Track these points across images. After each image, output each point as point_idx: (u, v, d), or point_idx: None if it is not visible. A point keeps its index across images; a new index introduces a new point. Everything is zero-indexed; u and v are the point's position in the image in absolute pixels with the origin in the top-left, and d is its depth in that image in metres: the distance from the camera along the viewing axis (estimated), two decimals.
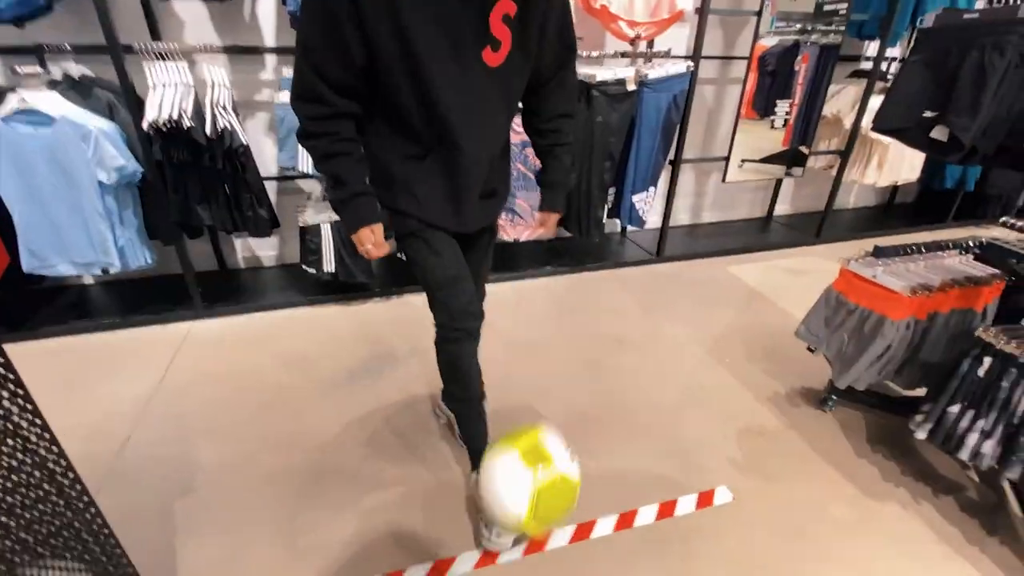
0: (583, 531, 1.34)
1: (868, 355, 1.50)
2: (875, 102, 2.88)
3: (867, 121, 2.93)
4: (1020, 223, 1.64)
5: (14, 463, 0.81)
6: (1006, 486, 1.49)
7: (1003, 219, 1.68)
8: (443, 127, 1.06)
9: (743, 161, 2.90)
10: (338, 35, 0.96)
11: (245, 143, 2.04)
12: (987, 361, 1.24)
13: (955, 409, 1.30)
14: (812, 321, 1.69)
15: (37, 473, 0.84)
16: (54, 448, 0.87)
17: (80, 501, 0.93)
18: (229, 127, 1.98)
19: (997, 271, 1.54)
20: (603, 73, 2.34)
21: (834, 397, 1.77)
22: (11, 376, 0.79)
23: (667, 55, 2.59)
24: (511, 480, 1.06)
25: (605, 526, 1.36)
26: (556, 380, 1.94)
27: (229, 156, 2.04)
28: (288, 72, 2.17)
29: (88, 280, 2.54)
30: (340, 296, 2.46)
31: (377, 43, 0.97)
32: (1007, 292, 1.52)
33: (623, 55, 2.52)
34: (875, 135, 2.97)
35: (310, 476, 1.50)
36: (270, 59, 2.35)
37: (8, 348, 0.77)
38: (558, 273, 2.79)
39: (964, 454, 1.27)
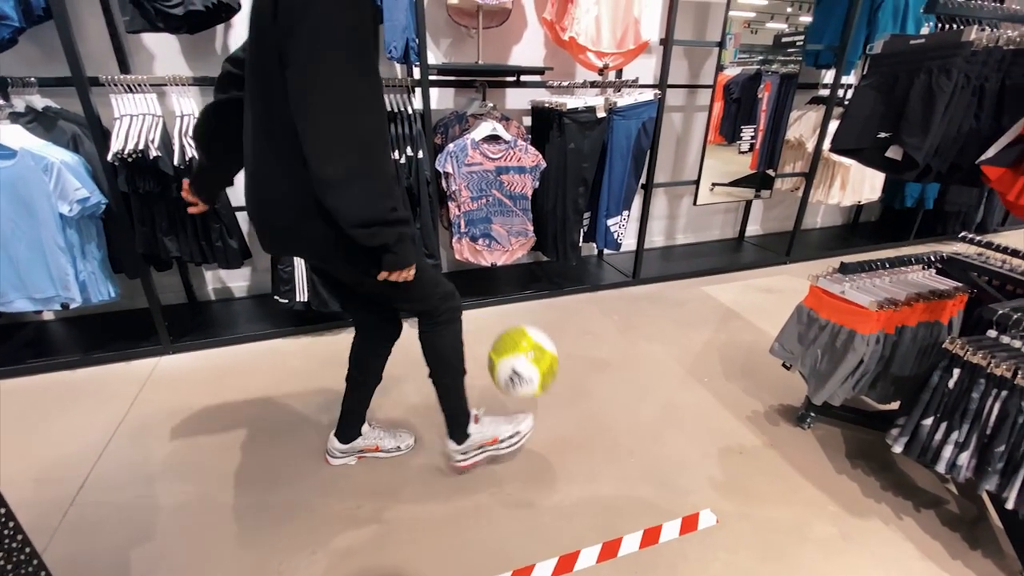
0: (566, 563, 1.30)
1: (842, 370, 1.51)
2: (834, 126, 3.01)
3: (828, 144, 3.05)
4: (979, 238, 1.70)
5: None
6: (985, 498, 1.50)
7: (962, 234, 1.75)
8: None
9: (714, 184, 2.98)
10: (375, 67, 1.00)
11: None
12: (956, 373, 1.26)
13: (928, 422, 1.31)
14: (786, 338, 1.71)
15: None
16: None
17: (21, 553, 0.86)
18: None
19: (960, 284, 1.58)
20: (574, 102, 2.40)
21: (812, 414, 1.78)
22: None
23: (635, 84, 2.67)
24: (527, 372, 1.43)
25: (589, 557, 1.31)
26: (536, 405, 1.91)
27: None
28: None
29: (48, 316, 2.44)
30: (313, 327, 2.41)
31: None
32: (970, 304, 1.56)
33: (593, 84, 2.60)
34: (835, 156, 3.09)
35: (279, 516, 1.43)
36: None
37: None
38: (537, 297, 2.79)
39: (941, 467, 1.28)
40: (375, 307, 1.42)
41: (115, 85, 1.92)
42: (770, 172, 3.08)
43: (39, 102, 1.96)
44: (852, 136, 1.51)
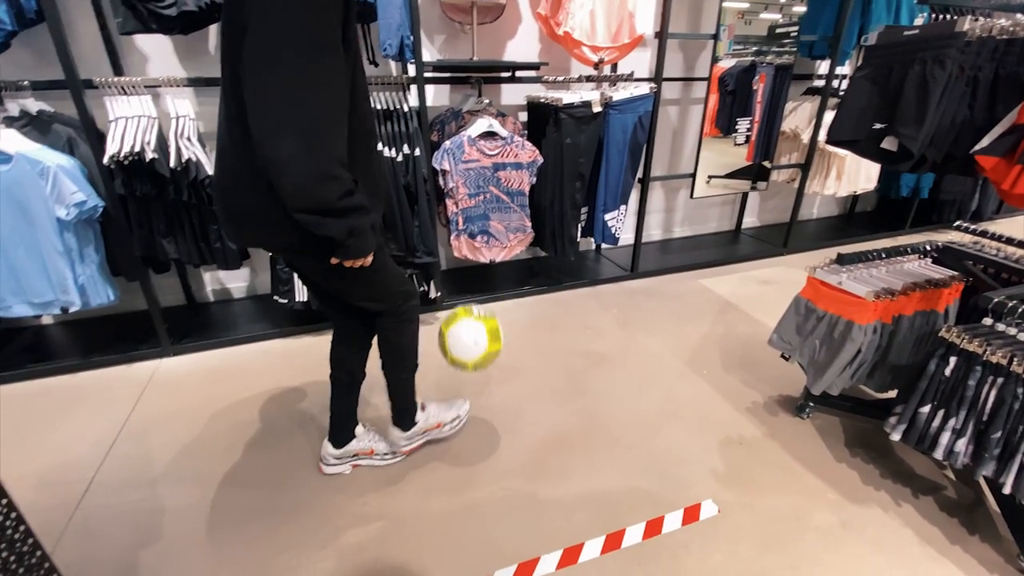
0: (571, 555, 1.31)
1: (840, 360, 1.53)
2: (829, 117, 3.01)
3: (823, 135, 3.06)
4: (974, 226, 1.72)
5: None
6: (982, 483, 1.52)
7: (957, 223, 1.76)
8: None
9: (710, 177, 2.99)
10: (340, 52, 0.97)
11: (211, 174, 2.01)
12: (953, 360, 1.28)
13: (926, 409, 1.33)
14: (784, 329, 1.72)
15: None
16: (2, 500, 0.81)
17: (32, 556, 0.87)
18: (195, 158, 1.95)
19: (955, 272, 1.59)
20: (569, 96, 2.40)
21: (811, 404, 1.79)
22: None
23: (630, 78, 2.67)
24: (474, 333, 1.52)
25: (592, 549, 1.33)
26: (536, 400, 1.92)
27: (195, 187, 2.00)
28: None
29: (47, 320, 2.44)
30: (312, 327, 2.41)
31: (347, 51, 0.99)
32: (966, 292, 1.58)
33: (588, 79, 2.59)
34: (831, 148, 3.10)
35: (285, 515, 1.44)
36: None
37: None
38: (535, 292, 2.80)
39: (938, 453, 1.30)
40: (347, 303, 1.40)
41: (109, 87, 1.91)
42: (766, 164, 3.08)
43: (33, 106, 1.95)
44: (848, 127, 1.52)
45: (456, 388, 1.97)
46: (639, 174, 2.81)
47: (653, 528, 1.38)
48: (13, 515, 0.82)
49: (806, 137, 3.15)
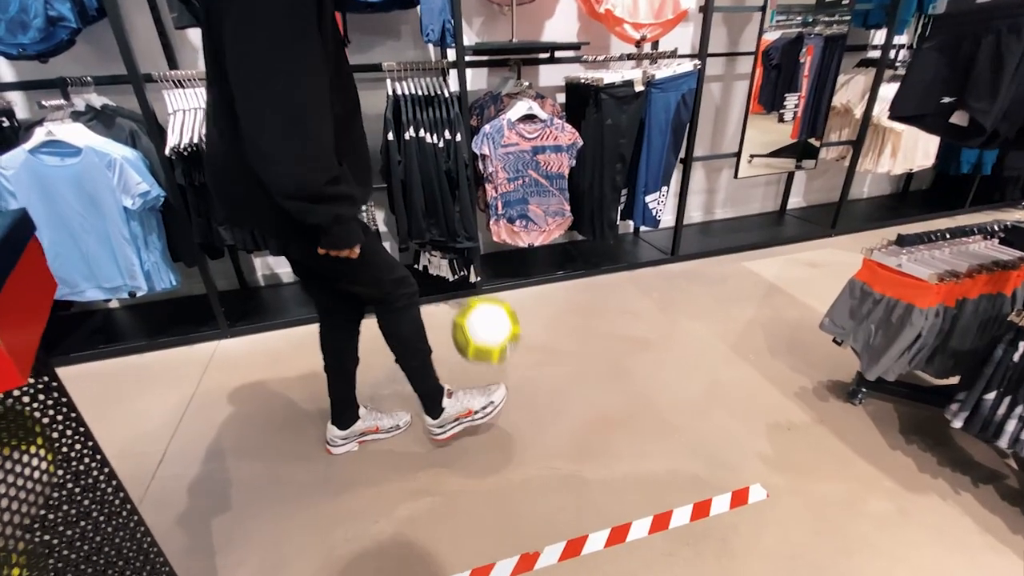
0: (618, 534, 1.34)
1: (898, 345, 1.48)
2: (885, 90, 2.87)
3: (879, 110, 2.91)
4: None
5: (68, 485, 0.84)
6: None
7: None
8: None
9: (752, 157, 2.89)
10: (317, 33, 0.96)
11: None
12: (1022, 346, 1.23)
13: (991, 396, 1.28)
14: (837, 313, 1.67)
15: (80, 489, 0.86)
16: (105, 468, 0.89)
17: (131, 519, 0.95)
18: None
19: None
20: (610, 76, 2.36)
21: (863, 390, 1.75)
22: (63, 398, 0.81)
23: (673, 55, 2.60)
24: (495, 314, 1.44)
25: (640, 528, 1.35)
26: (579, 382, 1.94)
27: None
28: None
29: (114, 304, 2.59)
30: None
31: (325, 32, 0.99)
32: None
33: (629, 57, 2.54)
34: (889, 123, 2.95)
35: (340, 488, 1.51)
36: None
37: None
38: (573, 277, 2.80)
39: (1003, 441, 1.25)
40: (332, 287, 1.40)
41: (166, 81, 1.99)
42: (813, 141, 2.96)
43: (97, 100, 2.04)
44: (912, 102, 1.45)
45: (493, 374, 2.00)
46: (681, 154, 2.75)
47: (701, 510, 1.39)
48: (106, 470, 0.89)
49: (859, 112, 3.00)
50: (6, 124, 1.99)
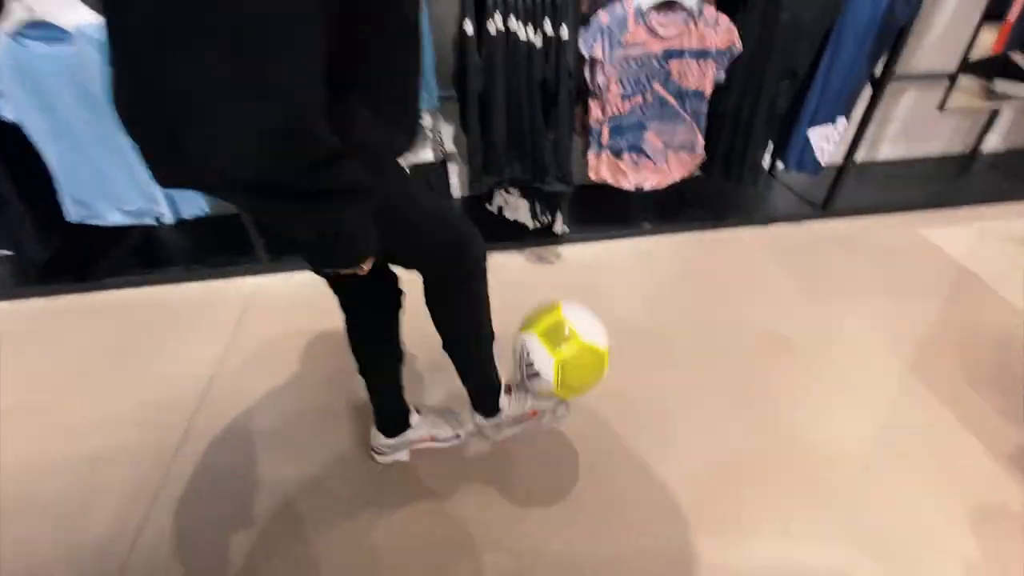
0: None
1: None
2: None
3: None
4: None
5: None
6: None
7: None
8: None
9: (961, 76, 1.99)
10: None
11: None
12: None
13: None
14: None
15: None
16: None
17: None
18: None
19: None
20: None
21: None
22: None
23: None
24: (538, 358, 1.07)
25: None
26: (693, 399, 1.46)
27: None
28: None
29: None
30: None
31: None
32: None
33: None
34: None
35: (389, 505, 1.20)
36: None
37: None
38: (686, 229, 2.20)
39: None
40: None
41: None
42: (1020, 58, 2.00)
43: None
44: None
45: None
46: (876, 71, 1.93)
47: None
48: None
49: None
50: None
